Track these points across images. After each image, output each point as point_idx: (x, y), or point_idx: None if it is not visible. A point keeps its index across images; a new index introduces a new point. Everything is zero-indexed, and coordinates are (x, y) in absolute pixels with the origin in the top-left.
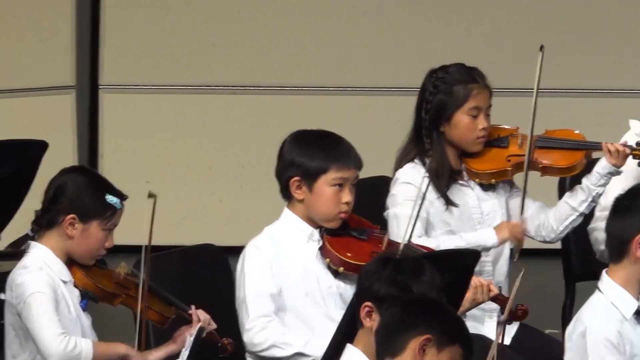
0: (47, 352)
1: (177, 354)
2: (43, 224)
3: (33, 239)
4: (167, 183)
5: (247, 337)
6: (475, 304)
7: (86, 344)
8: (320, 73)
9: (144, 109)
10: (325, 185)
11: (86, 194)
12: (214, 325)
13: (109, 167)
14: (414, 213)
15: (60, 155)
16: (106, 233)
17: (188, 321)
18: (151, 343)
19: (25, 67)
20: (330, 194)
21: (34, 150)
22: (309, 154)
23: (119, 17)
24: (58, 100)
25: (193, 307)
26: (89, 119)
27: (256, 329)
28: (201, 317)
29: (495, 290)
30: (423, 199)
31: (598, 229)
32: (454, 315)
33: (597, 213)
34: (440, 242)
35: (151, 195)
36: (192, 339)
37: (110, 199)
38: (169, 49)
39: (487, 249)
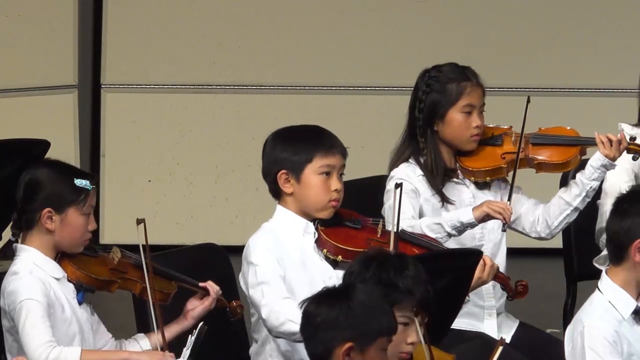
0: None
1: (189, 330)
2: (23, 225)
3: (17, 242)
4: (173, 182)
5: (264, 314)
6: (480, 282)
7: (71, 352)
8: (325, 72)
9: (147, 108)
10: (313, 174)
11: (55, 184)
12: (219, 292)
13: (110, 167)
14: (394, 220)
15: (62, 155)
16: (85, 217)
17: (192, 293)
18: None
19: (28, 66)
20: (319, 182)
21: (36, 149)
22: (292, 147)
23: (121, 16)
24: (60, 100)
25: (209, 281)
26: (91, 118)
27: (271, 304)
28: (210, 289)
29: (495, 268)
30: (399, 209)
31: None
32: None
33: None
34: (422, 220)
35: (140, 222)
36: (193, 338)
37: (80, 182)
38: (171, 48)
39: (466, 226)
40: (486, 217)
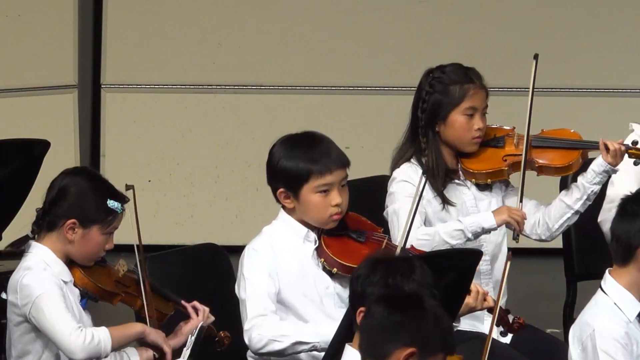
0: (68, 348)
1: (179, 349)
2: (43, 225)
3: (33, 239)
4: (173, 182)
5: (246, 338)
6: (469, 309)
7: (103, 333)
8: (325, 72)
9: (147, 108)
10: (310, 192)
11: (88, 199)
12: (212, 319)
13: (110, 167)
14: (411, 213)
15: (62, 155)
16: (106, 237)
17: (186, 316)
18: None
19: (28, 66)
20: (317, 200)
21: (36, 149)
22: (290, 163)
23: (121, 16)
24: (60, 100)
25: (195, 302)
26: (91, 118)
27: (253, 328)
28: (199, 309)
29: (490, 303)
30: (420, 196)
31: (608, 221)
32: (439, 322)
33: (606, 205)
34: (439, 227)
35: (129, 187)
36: (193, 338)
37: (112, 204)
38: (171, 48)
39: (486, 231)
40: (506, 223)
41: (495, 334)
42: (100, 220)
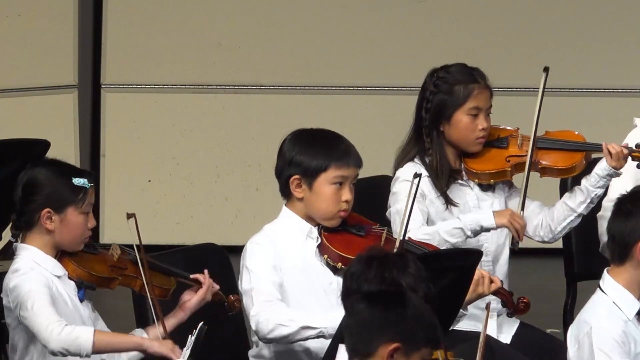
0: (45, 340)
1: (186, 323)
2: (22, 226)
3: (17, 242)
4: (173, 182)
5: (253, 324)
6: (477, 295)
7: (86, 331)
8: (325, 72)
9: (147, 108)
10: (326, 183)
11: (54, 184)
12: (217, 287)
13: (110, 167)
14: (407, 210)
15: (62, 155)
16: (85, 215)
17: (189, 287)
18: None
19: (28, 66)
20: (330, 192)
21: (36, 149)
22: (309, 153)
23: (121, 16)
24: (60, 100)
25: (206, 272)
26: (91, 118)
27: (259, 314)
28: (202, 278)
29: (497, 283)
30: (415, 197)
31: (605, 218)
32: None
33: (605, 203)
34: (439, 226)
35: (130, 216)
36: (193, 338)
37: (78, 181)
38: (171, 48)
39: (485, 230)
40: (505, 227)
41: (495, 333)
42: (71, 200)
